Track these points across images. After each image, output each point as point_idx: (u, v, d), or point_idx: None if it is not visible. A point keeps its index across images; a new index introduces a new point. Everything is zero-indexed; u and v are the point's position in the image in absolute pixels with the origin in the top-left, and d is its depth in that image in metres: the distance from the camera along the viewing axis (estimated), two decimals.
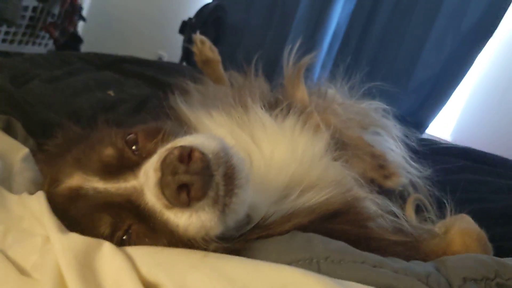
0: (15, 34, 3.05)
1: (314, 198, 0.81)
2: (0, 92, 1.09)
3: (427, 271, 0.62)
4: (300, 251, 0.64)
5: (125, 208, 0.68)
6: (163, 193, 0.60)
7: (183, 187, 0.59)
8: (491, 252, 0.88)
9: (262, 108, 1.02)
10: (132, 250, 0.64)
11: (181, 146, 0.60)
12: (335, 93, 1.30)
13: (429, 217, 1.05)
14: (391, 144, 1.19)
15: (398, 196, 1.05)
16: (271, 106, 1.06)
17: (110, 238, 0.67)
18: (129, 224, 0.68)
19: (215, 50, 1.77)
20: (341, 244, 0.68)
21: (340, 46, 3.10)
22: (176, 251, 0.64)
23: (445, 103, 2.84)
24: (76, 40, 3.61)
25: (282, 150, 0.92)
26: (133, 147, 0.75)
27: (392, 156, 1.14)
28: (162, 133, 0.76)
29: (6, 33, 2.99)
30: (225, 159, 0.64)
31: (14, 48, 3.13)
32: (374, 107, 1.29)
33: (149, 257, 0.62)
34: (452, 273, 0.62)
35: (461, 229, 0.90)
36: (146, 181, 0.64)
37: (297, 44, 1.27)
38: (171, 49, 3.76)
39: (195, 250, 0.64)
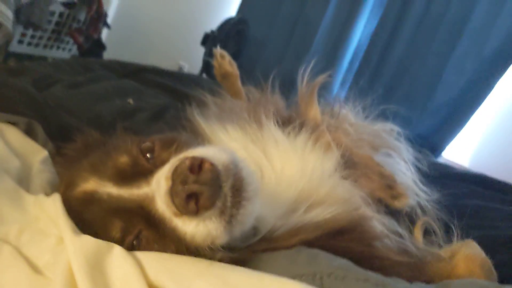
0: (40, 38, 3.14)
1: (321, 214, 0.82)
2: (22, 95, 1.11)
3: None
4: (305, 266, 0.65)
5: (137, 214, 0.70)
6: (172, 201, 0.62)
7: (192, 196, 0.61)
8: (495, 278, 0.88)
9: (275, 125, 1.04)
10: (141, 255, 0.66)
11: (193, 157, 0.63)
12: (348, 113, 1.32)
13: (436, 241, 1.05)
14: (402, 166, 1.20)
15: (407, 218, 1.06)
16: (285, 123, 1.08)
17: (120, 242, 0.69)
18: (139, 230, 0.70)
19: (234, 64, 1.79)
20: (345, 261, 0.69)
21: (360, 65, 3.09)
22: (183, 258, 0.65)
23: (463, 127, 2.81)
24: (100, 46, 3.69)
25: (293, 166, 0.94)
26: (148, 155, 0.77)
27: (402, 178, 1.14)
28: (176, 143, 0.79)
29: (32, 36, 3.07)
30: (235, 171, 0.66)
31: (38, 51, 3.23)
32: (387, 129, 1.30)
33: (157, 263, 0.64)
34: None
35: (466, 255, 0.91)
36: (157, 189, 0.66)
37: (312, 63, 1.28)
38: (192, 60, 3.80)
39: (202, 259, 0.66)
